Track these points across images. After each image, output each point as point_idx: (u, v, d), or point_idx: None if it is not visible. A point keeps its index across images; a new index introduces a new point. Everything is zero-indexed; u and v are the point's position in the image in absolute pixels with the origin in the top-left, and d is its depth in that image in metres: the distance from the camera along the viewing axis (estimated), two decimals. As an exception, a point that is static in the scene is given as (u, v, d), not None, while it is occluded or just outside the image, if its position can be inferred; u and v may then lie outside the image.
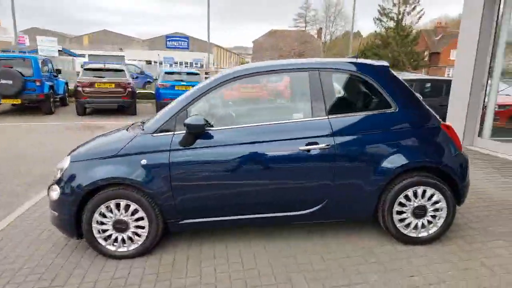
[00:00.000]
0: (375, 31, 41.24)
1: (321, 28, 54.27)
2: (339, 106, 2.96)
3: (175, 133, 2.82)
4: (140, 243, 2.87)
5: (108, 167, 2.79)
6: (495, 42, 6.26)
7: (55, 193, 2.86)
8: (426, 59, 42.13)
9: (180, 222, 2.89)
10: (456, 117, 6.58)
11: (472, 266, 2.62)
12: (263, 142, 2.81)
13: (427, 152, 2.88)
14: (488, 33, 6.21)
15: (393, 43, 38.44)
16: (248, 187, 2.84)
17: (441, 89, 8.67)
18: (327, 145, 2.79)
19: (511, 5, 6.06)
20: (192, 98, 2.89)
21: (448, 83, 8.77)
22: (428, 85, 8.99)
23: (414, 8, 39.52)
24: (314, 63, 3.01)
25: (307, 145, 2.79)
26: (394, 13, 39.98)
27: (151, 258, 2.87)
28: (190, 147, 2.79)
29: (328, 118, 2.85)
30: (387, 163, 2.81)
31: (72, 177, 2.81)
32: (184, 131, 2.78)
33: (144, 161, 2.78)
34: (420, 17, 40.54)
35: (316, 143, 2.79)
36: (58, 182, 2.87)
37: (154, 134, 2.84)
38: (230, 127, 2.91)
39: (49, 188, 2.96)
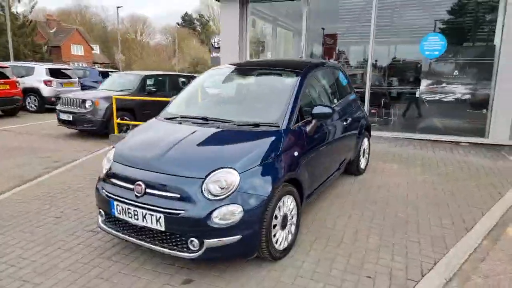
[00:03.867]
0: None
1: None
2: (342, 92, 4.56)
3: (300, 123, 3.26)
4: (292, 232, 3.10)
5: (279, 166, 2.82)
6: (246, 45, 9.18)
7: (234, 212, 2.47)
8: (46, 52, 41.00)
9: (307, 200, 3.39)
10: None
11: (386, 170, 5.19)
12: (339, 119, 4.01)
13: (367, 117, 5.08)
14: (242, 37, 9.02)
15: (10, 32, 34.48)
16: (333, 154, 3.92)
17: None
18: (349, 119, 4.34)
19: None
20: (298, 93, 3.34)
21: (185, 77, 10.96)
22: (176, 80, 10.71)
23: (25, -4, 37.15)
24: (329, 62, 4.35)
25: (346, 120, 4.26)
26: (-1, -4, 35.54)
27: (300, 244, 3.18)
28: (315, 132, 3.39)
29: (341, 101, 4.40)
30: (361, 125, 4.77)
31: (253, 189, 2.58)
32: (301, 121, 3.30)
33: (296, 153, 3.06)
34: (33, 7, 38.74)
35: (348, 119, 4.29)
36: (237, 200, 2.50)
37: (292, 128, 3.12)
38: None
39: (208, 214, 2.45)
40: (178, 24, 56.79)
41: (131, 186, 2.70)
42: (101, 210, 2.97)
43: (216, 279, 2.67)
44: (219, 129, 3.09)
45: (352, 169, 4.87)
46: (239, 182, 2.53)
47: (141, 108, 9.11)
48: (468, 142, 7.31)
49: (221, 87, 4.11)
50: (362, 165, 5.07)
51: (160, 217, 2.53)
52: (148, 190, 2.62)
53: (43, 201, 4.21)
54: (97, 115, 8.48)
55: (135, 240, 2.75)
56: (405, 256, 3.02)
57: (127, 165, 2.85)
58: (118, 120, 8.37)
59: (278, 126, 3.05)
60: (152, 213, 2.56)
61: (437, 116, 7.83)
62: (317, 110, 3.30)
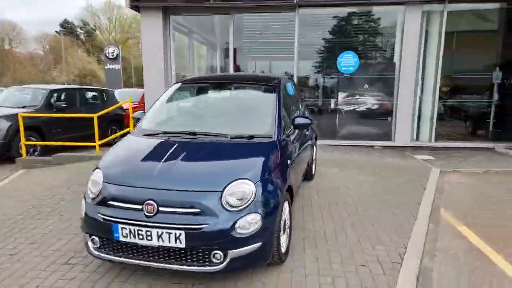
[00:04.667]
0: None
1: None
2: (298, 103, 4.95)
3: (284, 134, 3.54)
4: (288, 235, 3.34)
5: (282, 175, 3.07)
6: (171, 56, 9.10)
7: (254, 221, 2.61)
8: None
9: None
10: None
11: (329, 174, 5.80)
12: None
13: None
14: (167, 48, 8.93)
15: None
16: (303, 161, 4.32)
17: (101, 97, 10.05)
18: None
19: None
20: (279, 105, 3.59)
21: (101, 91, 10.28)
22: (90, 94, 9.92)
23: None
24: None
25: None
26: None
27: (294, 246, 3.42)
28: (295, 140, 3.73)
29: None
30: (313, 133, 5.25)
31: (267, 197, 2.75)
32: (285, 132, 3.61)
33: (288, 161, 3.34)
34: None
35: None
36: (256, 209, 2.65)
37: (282, 138, 3.38)
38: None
39: (232, 226, 2.56)
40: (57, 32, 51.60)
41: (138, 207, 2.62)
42: (94, 236, 2.78)
43: (233, 289, 2.76)
44: (216, 143, 3.18)
45: (307, 175, 5.34)
46: (255, 192, 2.68)
47: (50, 126, 8.26)
48: (380, 146, 8.55)
49: (196, 102, 4.14)
50: (313, 171, 5.60)
51: (180, 234, 2.52)
52: (161, 209, 2.59)
53: (-19, 239, 3.63)
54: (-3, 137, 7.42)
55: (144, 262, 2.65)
56: (381, 244, 3.53)
57: (126, 185, 2.74)
58: (26, 142, 7.45)
59: (271, 137, 3.27)
60: (170, 231, 2.53)
61: (353, 124, 8.96)
62: (298, 120, 3.65)
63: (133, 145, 3.32)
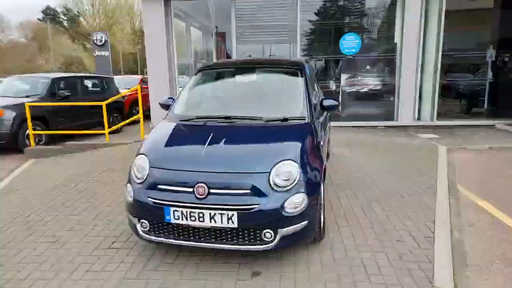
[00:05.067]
0: None
1: None
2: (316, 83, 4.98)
3: (315, 116, 3.60)
4: (323, 213, 3.42)
5: (320, 155, 3.16)
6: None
7: (301, 200, 2.68)
8: None
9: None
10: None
11: (342, 154, 5.90)
12: None
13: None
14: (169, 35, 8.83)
15: None
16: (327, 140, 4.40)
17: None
18: None
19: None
20: (307, 87, 3.64)
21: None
22: (90, 82, 9.75)
23: None
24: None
25: None
26: None
27: (328, 225, 3.51)
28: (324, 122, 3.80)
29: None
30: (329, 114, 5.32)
31: (310, 177, 2.82)
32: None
33: (322, 142, 3.41)
34: None
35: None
36: (301, 189, 2.71)
37: (314, 120, 3.44)
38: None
39: (281, 205, 2.64)
40: (40, 20, 49.94)
41: (189, 189, 2.67)
42: (143, 220, 2.82)
43: (280, 266, 2.84)
44: (253, 126, 3.22)
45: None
46: (300, 172, 2.75)
47: (54, 115, 8.15)
48: (383, 126, 8.69)
49: (225, 86, 4.15)
50: (328, 151, 5.69)
51: (232, 214, 2.59)
52: (211, 191, 2.64)
53: (18, 227, 3.64)
54: (3, 128, 7.32)
55: (195, 243, 2.72)
56: (410, 219, 3.66)
57: (175, 170, 2.78)
58: (34, 131, 7.37)
59: (305, 119, 3.33)
60: (222, 212, 2.59)
61: (357, 105, 9.06)
62: (327, 102, 3.71)
63: (171, 130, 3.33)
